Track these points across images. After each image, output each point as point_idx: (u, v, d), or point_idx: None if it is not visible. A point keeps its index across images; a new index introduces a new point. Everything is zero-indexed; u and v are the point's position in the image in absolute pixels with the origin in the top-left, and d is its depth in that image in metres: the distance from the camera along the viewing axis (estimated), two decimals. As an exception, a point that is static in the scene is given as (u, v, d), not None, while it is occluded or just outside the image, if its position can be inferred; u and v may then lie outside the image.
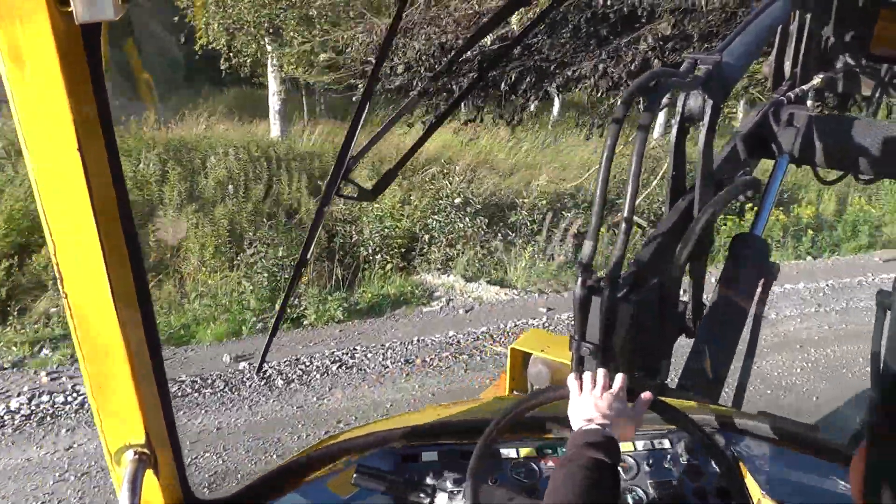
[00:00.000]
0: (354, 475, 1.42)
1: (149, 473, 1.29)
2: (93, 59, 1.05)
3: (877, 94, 3.71)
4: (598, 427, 1.37)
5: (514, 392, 3.01)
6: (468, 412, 1.82)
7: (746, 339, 2.87)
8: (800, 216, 11.86)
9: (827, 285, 9.77)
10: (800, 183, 13.43)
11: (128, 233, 1.15)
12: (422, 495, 1.41)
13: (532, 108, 8.59)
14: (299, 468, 1.66)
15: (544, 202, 10.90)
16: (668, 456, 1.65)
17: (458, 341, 7.62)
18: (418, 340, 7.55)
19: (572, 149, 14.21)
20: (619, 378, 1.49)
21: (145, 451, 1.27)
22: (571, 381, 1.51)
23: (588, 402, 1.44)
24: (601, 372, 1.51)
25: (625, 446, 1.64)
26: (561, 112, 18.27)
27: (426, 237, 9.93)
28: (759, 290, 2.77)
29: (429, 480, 1.49)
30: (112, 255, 1.12)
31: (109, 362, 1.19)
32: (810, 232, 11.42)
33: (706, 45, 6.71)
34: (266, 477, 1.64)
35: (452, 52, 8.28)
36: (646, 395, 1.48)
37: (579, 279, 2.28)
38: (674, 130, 2.67)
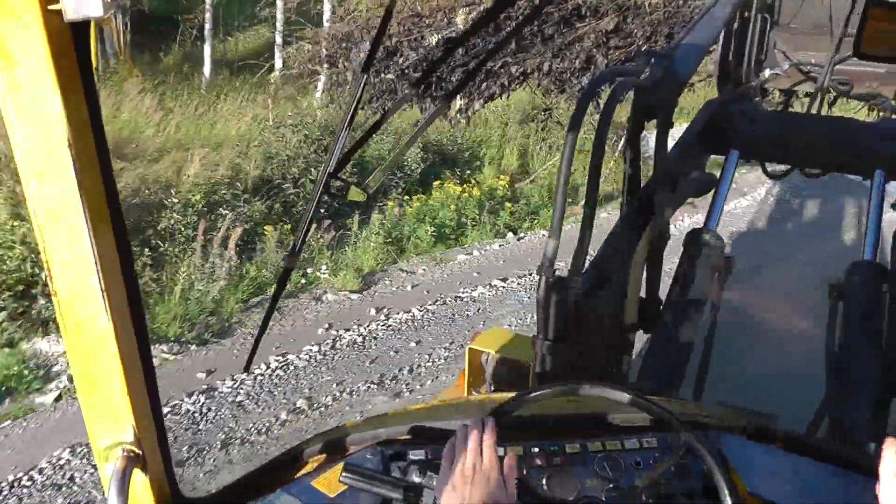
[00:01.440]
0: (342, 473, 1.41)
1: (137, 472, 1.29)
2: (82, 56, 1.05)
3: (821, 90, 3.87)
4: None
5: (474, 392, 2.97)
6: (456, 411, 1.82)
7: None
8: (493, 187, 10.30)
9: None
10: (480, 138, 11.88)
11: (118, 231, 1.16)
12: (409, 493, 1.41)
13: (477, 105, 8.65)
14: (285, 466, 1.67)
15: (198, 196, 7.96)
16: (655, 455, 1.63)
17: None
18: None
19: (229, 119, 10.79)
20: (487, 443, 1.33)
21: (134, 449, 1.27)
22: (445, 453, 1.36)
23: (459, 487, 1.27)
24: (472, 438, 1.34)
25: (611, 445, 1.63)
26: (214, 72, 14.81)
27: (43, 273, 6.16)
28: (714, 284, 2.82)
29: (416, 478, 1.49)
30: (102, 253, 1.13)
31: (98, 360, 1.19)
32: (508, 205, 9.88)
33: (650, 42, 6.89)
34: (252, 475, 1.65)
35: (398, 56, 8.30)
36: (509, 459, 1.35)
37: (542, 278, 2.33)
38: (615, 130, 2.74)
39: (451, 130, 10.79)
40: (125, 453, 1.26)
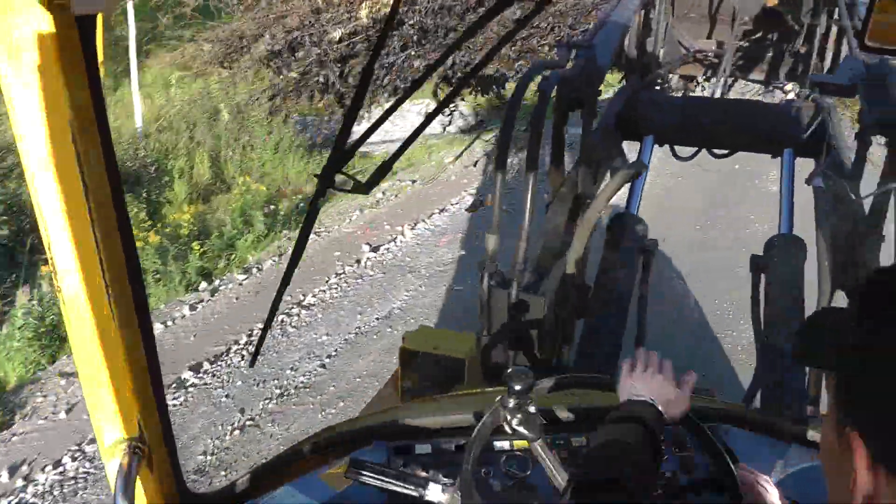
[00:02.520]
0: (348, 468, 1.42)
1: (143, 468, 1.28)
2: (87, 50, 1.05)
3: (722, 76, 4.11)
4: (647, 400, 1.39)
5: (406, 393, 2.93)
6: (460, 406, 1.81)
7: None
8: (178, 223, 7.66)
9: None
10: (167, 146, 9.09)
11: (122, 226, 1.15)
12: (415, 488, 1.42)
13: (383, 101, 8.65)
14: (291, 462, 1.67)
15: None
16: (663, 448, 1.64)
17: None
18: None
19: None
20: (668, 362, 1.50)
21: (139, 445, 1.27)
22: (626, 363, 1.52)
23: (637, 382, 1.45)
24: (651, 354, 1.52)
25: None
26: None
27: None
28: (640, 267, 2.89)
29: (422, 473, 1.50)
30: (107, 249, 1.12)
31: (103, 356, 1.18)
32: (196, 246, 7.26)
33: (554, 34, 7.09)
34: (258, 471, 1.65)
35: (299, 49, 8.20)
36: (691, 376, 1.50)
37: (485, 274, 2.36)
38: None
39: (130, 140, 8.81)
40: (131, 449, 1.26)
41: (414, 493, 1.42)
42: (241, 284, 6.95)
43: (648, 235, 2.96)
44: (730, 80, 4.36)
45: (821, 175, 2.65)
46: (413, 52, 8.41)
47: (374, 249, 7.63)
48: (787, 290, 2.62)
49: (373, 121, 1.22)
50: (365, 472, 1.42)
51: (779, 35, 4.11)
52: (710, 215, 8.14)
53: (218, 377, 5.54)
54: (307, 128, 10.74)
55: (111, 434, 1.26)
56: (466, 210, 7.93)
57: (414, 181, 9.56)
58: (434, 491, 1.42)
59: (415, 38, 8.02)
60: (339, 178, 1.27)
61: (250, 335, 6.05)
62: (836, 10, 3.61)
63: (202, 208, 8.42)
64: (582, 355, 2.57)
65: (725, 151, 3.40)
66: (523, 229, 2.39)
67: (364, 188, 1.19)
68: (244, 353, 5.83)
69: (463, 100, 9.29)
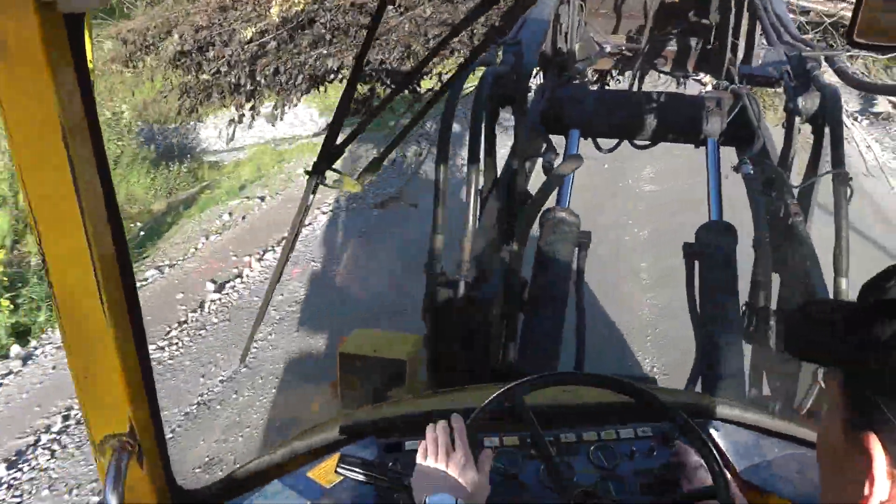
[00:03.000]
0: (337, 465, 1.41)
1: (133, 464, 1.29)
2: (76, 48, 1.06)
3: (636, 70, 4.27)
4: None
5: (344, 398, 2.89)
6: (452, 401, 1.82)
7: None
8: None
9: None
10: None
11: (114, 223, 1.16)
12: (405, 484, 1.40)
13: (295, 101, 8.51)
14: (281, 458, 1.67)
15: None
16: (649, 444, 1.65)
17: None
18: None
19: None
20: (461, 431, 1.37)
21: (130, 440, 1.27)
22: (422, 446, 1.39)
23: (432, 475, 1.31)
24: (441, 429, 1.38)
25: (606, 435, 1.65)
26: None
27: None
28: (575, 260, 2.92)
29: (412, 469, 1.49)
30: (99, 245, 1.13)
31: (95, 352, 1.19)
32: (4, 303, 5.92)
33: (470, 31, 7.18)
34: (248, 466, 1.65)
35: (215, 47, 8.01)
36: (486, 456, 1.39)
37: (429, 275, 2.36)
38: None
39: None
40: (121, 445, 1.26)
41: (404, 490, 1.41)
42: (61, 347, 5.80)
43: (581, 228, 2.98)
44: (644, 74, 4.52)
45: (749, 162, 2.80)
46: (325, 52, 8.35)
47: (219, 288, 6.89)
48: (721, 275, 2.71)
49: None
50: (355, 469, 1.41)
51: (690, 29, 4.28)
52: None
53: (16, 487, 4.19)
54: (154, 137, 10.06)
55: (102, 429, 1.26)
56: (375, 206, 7.83)
57: (263, 198, 8.88)
58: None
59: (327, 36, 7.97)
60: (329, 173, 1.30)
61: (67, 417, 4.94)
62: (746, 3, 3.84)
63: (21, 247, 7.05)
64: (524, 351, 2.58)
65: (647, 142, 3.55)
66: (468, 228, 2.38)
67: (353, 184, 1.22)
68: (56, 444, 4.60)
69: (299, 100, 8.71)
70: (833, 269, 2.41)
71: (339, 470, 1.42)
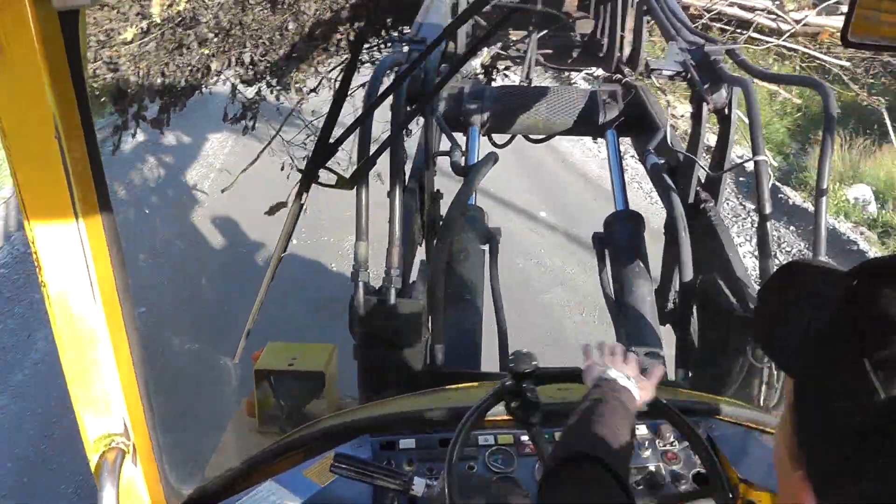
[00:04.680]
0: (332, 463, 1.41)
1: (128, 463, 1.28)
2: (70, 45, 1.05)
3: (528, 65, 4.27)
4: (617, 378, 1.34)
5: (264, 416, 2.82)
6: (445, 400, 1.84)
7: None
8: None
9: None
10: None
11: (108, 221, 1.16)
12: (399, 482, 1.41)
13: (179, 108, 8.08)
14: (275, 457, 1.67)
15: None
16: (646, 441, 1.65)
17: None
18: None
19: None
20: (630, 353, 1.47)
21: (125, 440, 1.27)
22: (588, 348, 1.48)
23: (605, 362, 1.40)
24: (616, 344, 1.48)
25: None
26: None
27: None
28: (487, 254, 2.89)
29: (406, 467, 1.52)
30: (92, 244, 1.13)
31: (89, 352, 1.19)
32: None
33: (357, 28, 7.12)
34: (243, 465, 1.65)
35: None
36: (658, 368, 1.47)
37: (359, 283, 2.27)
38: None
39: None
40: (116, 445, 1.26)
41: (398, 488, 1.42)
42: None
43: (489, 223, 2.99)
44: (530, 69, 4.51)
45: (653, 152, 2.90)
46: (207, 52, 8.06)
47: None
48: (632, 262, 2.75)
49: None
50: (349, 467, 1.40)
51: (579, 24, 4.37)
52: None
53: None
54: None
55: (96, 430, 1.26)
56: (265, 213, 7.60)
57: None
58: (418, 485, 1.42)
59: (209, 35, 7.73)
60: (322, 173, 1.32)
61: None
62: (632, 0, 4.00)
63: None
64: (448, 350, 2.56)
65: (542, 137, 3.55)
66: (394, 233, 2.34)
67: (348, 183, 1.25)
68: None
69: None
70: (758, 252, 2.47)
71: (333, 469, 1.41)
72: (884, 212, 7.61)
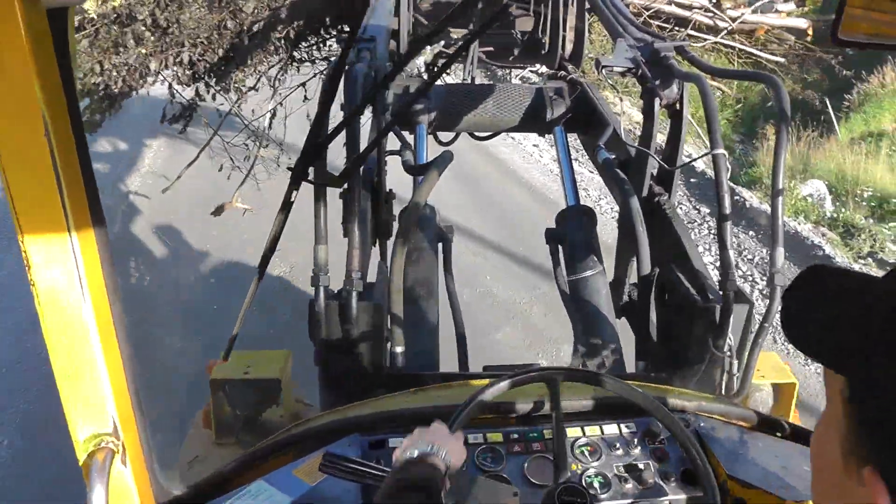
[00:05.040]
0: (322, 462, 1.39)
1: (117, 463, 1.28)
2: (59, 43, 1.05)
3: (467, 64, 4.27)
4: (426, 454, 1.26)
5: (218, 427, 2.76)
6: (436, 398, 1.84)
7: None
8: None
9: None
10: None
11: (97, 220, 1.15)
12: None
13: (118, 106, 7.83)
14: (265, 456, 1.66)
15: None
16: (634, 440, 1.66)
17: None
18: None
19: None
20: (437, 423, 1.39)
21: (114, 440, 1.26)
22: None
23: (414, 437, 1.34)
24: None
25: (591, 430, 1.66)
26: None
27: None
28: (440, 254, 2.87)
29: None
30: (82, 243, 1.13)
31: (79, 351, 1.18)
32: None
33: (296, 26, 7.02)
34: (232, 465, 1.64)
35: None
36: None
37: (319, 287, 2.23)
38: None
39: None
40: (106, 445, 1.25)
41: None
42: None
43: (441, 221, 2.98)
44: (471, 66, 4.50)
45: (603, 147, 2.93)
46: (145, 52, 7.88)
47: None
48: (586, 256, 2.79)
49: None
50: (339, 466, 1.39)
51: (521, 21, 4.38)
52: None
53: None
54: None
55: (86, 429, 1.25)
56: (211, 213, 7.45)
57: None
58: None
59: (147, 34, 7.55)
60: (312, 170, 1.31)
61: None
62: None
63: None
64: (409, 350, 2.53)
65: (488, 133, 3.55)
66: (353, 236, 2.32)
67: (338, 181, 1.26)
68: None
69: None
70: (718, 243, 2.46)
71: (323, 468, 1.40)
72: (843, 210, 7.31)
